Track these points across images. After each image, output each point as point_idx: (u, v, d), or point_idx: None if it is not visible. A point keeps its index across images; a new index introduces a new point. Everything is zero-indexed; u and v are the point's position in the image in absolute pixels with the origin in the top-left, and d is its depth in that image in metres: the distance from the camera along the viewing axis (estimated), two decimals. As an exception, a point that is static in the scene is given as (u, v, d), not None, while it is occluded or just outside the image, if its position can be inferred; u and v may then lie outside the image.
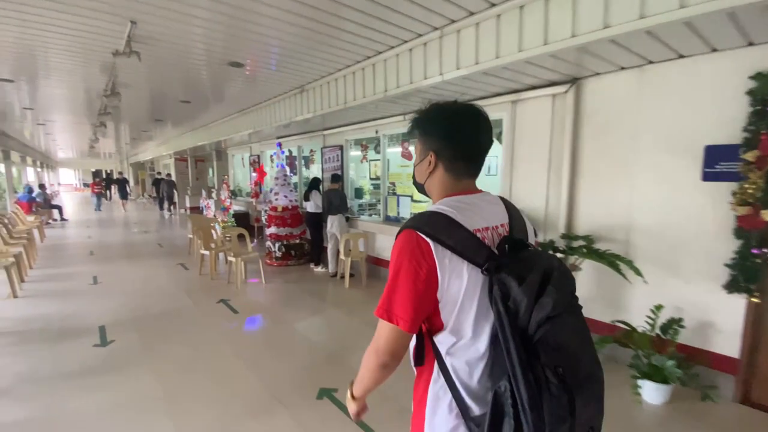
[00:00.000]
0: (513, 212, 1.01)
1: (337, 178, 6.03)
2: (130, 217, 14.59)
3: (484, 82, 3.48)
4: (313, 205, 6.50)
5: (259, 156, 9.70)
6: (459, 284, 0.86)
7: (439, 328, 0.90)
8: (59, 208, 13.73)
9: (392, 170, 5.80)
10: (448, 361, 0.91)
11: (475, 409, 0.90)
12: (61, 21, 3.10)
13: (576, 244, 3.29)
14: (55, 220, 13.38)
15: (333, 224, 5.87)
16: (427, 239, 0.86)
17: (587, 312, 0.93)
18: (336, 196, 5.87)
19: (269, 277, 5.92)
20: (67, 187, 34.24)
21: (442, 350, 0.91)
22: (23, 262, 6.05)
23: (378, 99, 4.02)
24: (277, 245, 6.83)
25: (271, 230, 6.85)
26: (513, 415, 0.79)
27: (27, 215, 11.09)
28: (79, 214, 16.07)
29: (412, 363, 0.99)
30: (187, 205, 15.96)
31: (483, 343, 0.89)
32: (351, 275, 5.53)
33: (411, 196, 5.31)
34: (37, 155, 18.58)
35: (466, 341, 0.89)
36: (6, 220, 8.24)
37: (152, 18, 3.04)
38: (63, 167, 32.25)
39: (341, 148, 6.55)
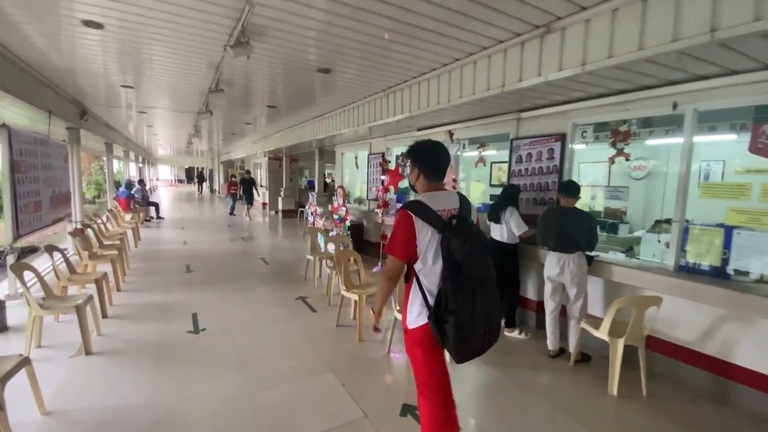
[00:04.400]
0: (464, 202, 1.90)
1: (574, 189, 3.54)
2: (223, 220, 13.55)
3: None
4: (505, 231, 4.08)
5: (383, 154, 7.62)
6: (426, 237, 1.75)
7: (415, 259, 1.78)
8: (156, 206, 13.06)
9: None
10: (420, 277, 1.79)
11: (432, 303, 1.77)
12: None
13: None
14: (152, 217, 12.70)
15: (567, 267, 3.42)
16: (411, 214, 1.75)
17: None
18: (577, 222, 3.42)
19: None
20: (164, 183, 36.27)
21: (417, 271, 1.79)
22: (108, 286, 4.47)
23: None
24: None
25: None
26: (445, 298, 1.69)
27: (125, 212, 10.26)
28: (173, 211, 15.59)
29: (404, 280, 1.93)
30: (280, 207, 14.66)
31: (437, 267, 1.76)
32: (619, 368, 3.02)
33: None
34: (139, 151, 18.78)
35: (428, 266, 1.77)
36: (99, 221, 7.06)
37: None
38: (161, 164, 34.07)
39: (562, 138, 4.06)
